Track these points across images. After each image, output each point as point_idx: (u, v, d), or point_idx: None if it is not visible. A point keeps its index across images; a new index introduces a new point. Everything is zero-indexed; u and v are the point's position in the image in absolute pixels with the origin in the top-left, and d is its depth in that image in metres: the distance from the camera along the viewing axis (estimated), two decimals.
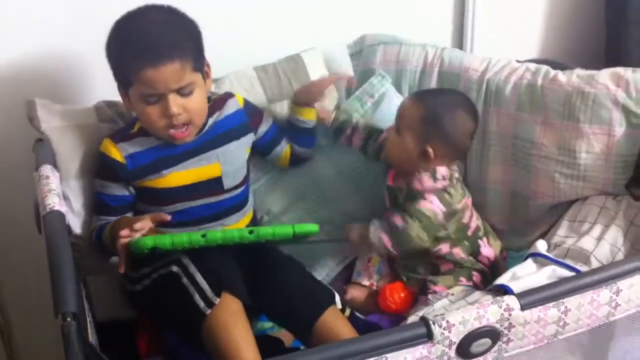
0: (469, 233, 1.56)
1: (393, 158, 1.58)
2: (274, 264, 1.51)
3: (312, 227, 1.43)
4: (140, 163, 1.50)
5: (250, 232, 1.37)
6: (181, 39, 1.42)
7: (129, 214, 1.54)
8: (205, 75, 1.50)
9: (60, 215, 1.27)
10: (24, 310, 1.84)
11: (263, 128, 1.66)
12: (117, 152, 1.49)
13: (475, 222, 1.59)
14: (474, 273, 1.57)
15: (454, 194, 1.53)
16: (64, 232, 1.24)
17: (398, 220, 1.51)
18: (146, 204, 1.53)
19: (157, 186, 1.51)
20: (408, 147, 1.53)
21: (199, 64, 1.46)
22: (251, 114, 1.64)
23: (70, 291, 1.07)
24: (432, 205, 1.50)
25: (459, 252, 1.55)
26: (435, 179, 1.52)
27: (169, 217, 1.44)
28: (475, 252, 1.58)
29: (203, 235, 1.35)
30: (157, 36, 1.39)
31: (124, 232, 1.36)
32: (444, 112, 1.51)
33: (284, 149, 1.71)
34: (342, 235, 1.70)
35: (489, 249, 1.60)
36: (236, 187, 1.58)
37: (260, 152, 1.69)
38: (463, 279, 1.55)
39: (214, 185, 1.55)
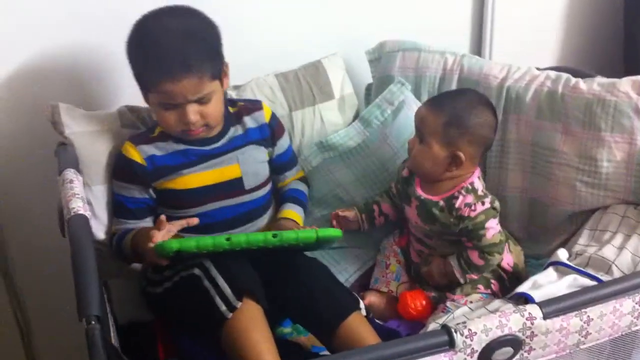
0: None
1: (421, 168, 1.55)
2: (300, 265, 1.50)
3: (336, 232, 1.44)
4: (160, 165, 1.51)
5: (274, 235, 1.37)
6: (200, 51, 1.42)
7: (149, 219, 1.54)
8: (223, 75, 1.51)
9: (85, 219, 1.27)
10: (43, 313, 1.86)
11: (279, 149, 1.66)
12: (136, 154, 1.50)
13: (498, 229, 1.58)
14: (493, 281, 1.56)
15: (497, 203, 1.53)
16: (88, 236, 1.25)
17: (478, 261, 1.51)
18: (167, 208, 1.54)
19: (178, 187, 1.52)
20: (437, 155, 1.51)
21: (217, 71, 1.47)
22: (274, 129, 1.64)
23: (94, 295, 1.08)
24: (496, 230, 1.51)
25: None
26: (479, 198, 1.50)
27: (197, 220, 1.44)
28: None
29: (227, 239, 1.35)
30: (176, 49, 1.40)
31: (158, 233, 1.36)
32: (465, 112, 1.49)
33: (287, 178, 1.71)
34: (361, 242, 1.71)
35: (509, 256, 1.59)
36: (258, 188, 1.58)
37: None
38: (481, 287, 1.55)
39: (235, 186, 1.55)
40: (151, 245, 1.34)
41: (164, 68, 1.39)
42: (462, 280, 1.53)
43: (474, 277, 1.53)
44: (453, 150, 1.49)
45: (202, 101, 1.44)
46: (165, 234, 1.37)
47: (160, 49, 1.40)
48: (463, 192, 1.51)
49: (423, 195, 1.56)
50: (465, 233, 1.51)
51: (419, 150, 1.53)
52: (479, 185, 1.53)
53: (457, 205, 1.50)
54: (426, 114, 1.52)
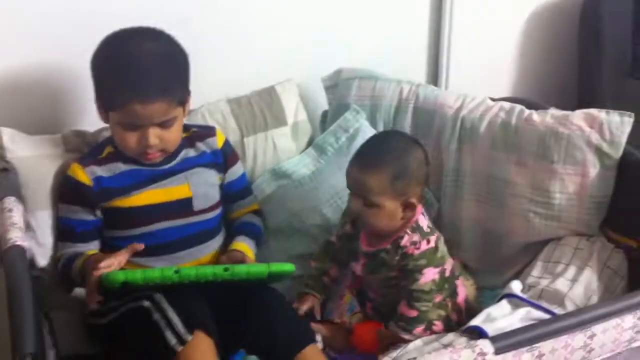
0: (447, 275, 1.52)
1: (378, 228, 1.48)
2: (257, 294, 1.47)
3: (288, 267, 1.41)
4: (106, 186, 1.48)
5: (226, 269, 1.35)
6: (173, 77, 1.44)
7: (96, 242, 1.51)
8: (186, 101, 1.50)
9: (22, 251, 1.24)
10: None
11: (232, 175, 1.63)
12: (84, 175, 1.47)
13: (451, 263, 1.55)
14: (435, 323, 1.50)
15: (441, 244, 1.50)
16: (25, 268, 1.21)
17: (410, 312, 1.46)
18: (113, 229, 1.51)
19: (125, 205, 1.49)
20: (391, 211, 1.44)
21: (184, 96, 1.48)
22: (228, 156, 1.62)
23: (29, 332, 1.05)
24: (430, 277, 1.46)
25: (439, 297, 1.51)
26: (425, 235, 1.47)
27: (142, 246, 1.41)
28: (453, 294, 1.54)
29: (176, 271, 1.32)
30: (150, 73, 1.40)
31: (103, 263, 1.33)
32: (403, 160, 1.44)
33: (240, 208, 1.67)
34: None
35: (463, 289, 1.57)
36: (207, 211, 1.56)
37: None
38: (438, 323, 1.51)
39: (183, 206, 1.53)
40: (96, 274, 1.31)
41: (138, 89, 1.38)
42: (410, 338, 1.44)
43: (420, 329, 1.46)
44: (405, 199, 1.45)
45: (164, 125, 1.44)
46: (112, 264, 1.34)
47: (137, 71, 1.39)
48: (409, 231, 1.47)
49: (371, 249, 1.52)
50: (404, 272, 1.48)
51: (370, 213, 1.45)
52: (424, 221, 1.50)
53: (402, 243, 1.46)
54: (366, 177, 1.43)
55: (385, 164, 1.43)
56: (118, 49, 1.43)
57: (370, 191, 1.43)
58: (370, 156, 1.47)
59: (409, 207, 1.46)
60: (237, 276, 1.36)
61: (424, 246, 1.46)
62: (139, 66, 1.40)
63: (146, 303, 1.37)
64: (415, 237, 1.46)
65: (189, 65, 1.49)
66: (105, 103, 1.45)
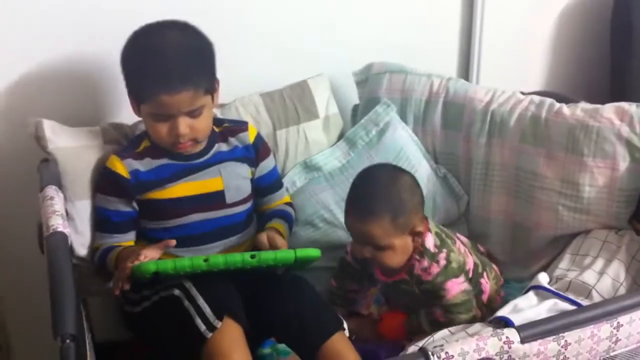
0: (470, 275, 1.53)
1: (393, 266, 1.47)
2: (286, 282, 1.49)
3: (314, 252, 1.42)
4: (143, 179, 1.51)
5: (252, 256, 1.37)
6: (197, 66, 1.46)
7: (132, 233, 1.55)
8: (214, 90, 1.52)
9: (63, 237, 1.27)
10: (24, 329, 1.84)
11: (263, 169, 1.65)
12: (122, 167, 1.50)
13: (472, 260, 1.55)
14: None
15: (455, 255, 1.49)
16: (66, 254, 1.24)
17: (441, 318, 1.47)
18: (148, 220, 1.54)
19: (159, 197, 1.52)
20: (403, 247, 1.45)
21: (211, 85, 1.49)
22: (259, 150, 1.64)
23: (70, 313, 1.08)
24: (457, 288, 1.46)
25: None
26: (434, 259, 1.46)
27: (174, 243, 1.43)
28: (479, 293, 1.54)
29: (205, 260, 1.35)
30: (174, 63, 1.42)
31: (138, 257, 1.36)
32: (396, 197, 1.42)
33: (272, 201, 1.69)
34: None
35: (487, 286, 1.57)
36: (239, 204, 1.58)
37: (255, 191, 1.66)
38: None
39: (216, 198, 1.55)
40: (129, 264, 1.35)
41: (163, 81, 1.41)
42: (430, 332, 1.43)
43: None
44: (410, 230, 1.45)
45: (193, 114, 1.46)
46: (146, 257, 1.37)
47: (160, 62, 1.42)
48: (417, 257, 1.47)
49: (389, 280, 1.53)
50: (427, 294, 1.48)
51: (384, 255, 1.44)
52: (430, 241, 1.48)
53: (415, 272, 1.47)
54: (368, 228, 1.42)
55: (382, 208, 1.41)
56: (143, 42, 1.46)
57: (376, 238, 1.42)
58: (365, 205, 1.44)
59: (417, 235, 1.46)
60: (264, 262, 1.37)
61: (434, 269, 1.46)
62: (163, 58, 1.43)
63: (177, 291, 1.41)
64: (425, 263, 1.46)
65: (214, 55, 1.51)
66: (136, 96, 1.48)
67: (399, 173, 1.49)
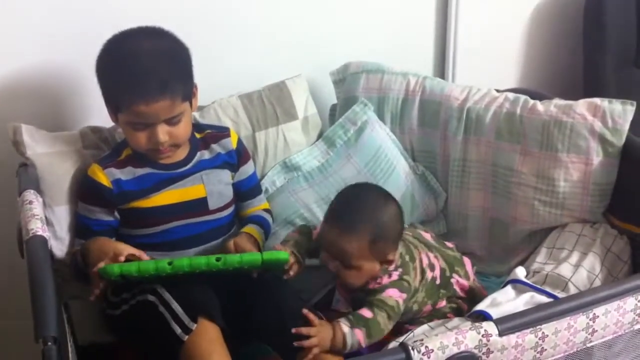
0: (438, 282, 1.52)
1: (356, 286, 1.44)
2: (266, 283, 1.49)
3: (282, 255, 1.40)
4: (126, 189, 1.51)
5: (218, 259, 1.35)
6: (174, 74, 1.44)
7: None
8: (193, 96, 1.52)
9: (43, 240, 1.27)
10: (5, 332, 1.83)
11: (242, 174, 1.65)
12: (104, 177, 1.50)
13: (439, 267, 1.53)
14: (449, 315, 1.53)
15: (409, 277, 1.46)
16: (46, 257, 1.24)
17: (367, 313, 1.40)
18: (130, 227, 1.53)
19: (143, 206, 1.51)
20: (371, 271, 1.42)
21: (188, 92, 1.49)
22: (241, 155, 1.64)
23: (51, 315, 1.08)
24: (395, 295, 1.42)
25: (444, 305, 1.53)
26: (386, 272, 1.44)
27: (146, 258, 1.41)
28: (453, 293, 1.55)
29: (169, 263, 1.33)
30: (151, 72, 1.40)
31: (101, 264, 1.36)
32: (381, 221, 1.40)
33: (250, 207, 1.68)
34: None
35: (461, 281, 1.57)
36: (222, 209, 1.59)
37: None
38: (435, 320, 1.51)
39: (199, 206, 1.55)
40: (95, 269, 1.35)
41: (139, 90, 1.39)
42: (348, 339, 1.36)
43: (362, 338, 1.37)
44: (383, 257, 1.43)
45: (172, 122, 1.45)
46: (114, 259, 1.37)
47: (136, 70, 1.41)
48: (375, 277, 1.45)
49: (348, 296, 1.53)
50: (366, 293, 1.45)
51: (349, 274, 1.42)
52: (392, 265, 1.46)
53: (367, 286, 1.45)
54: (344, 243, 1.39)
55: (364, 230, 1.39)
56: (118, 51, 1.44)
57: (349, 256, 1.40)
58: (348, 219, 1.41)
59: (386, 262, 1.44)
60: (230, 265, 1.35)
61: (384, 281, 1.44)
62: (139, 66, 1.41)
63: (150, 297, 1.41)
64: (378, 278, 1.44)
65: (190, 60, 1.50)
66: (113, 106, 1.47)
67: (389, 200, 1.45)
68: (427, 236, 1.62)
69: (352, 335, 1.36)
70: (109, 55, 1.45)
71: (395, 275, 1.45)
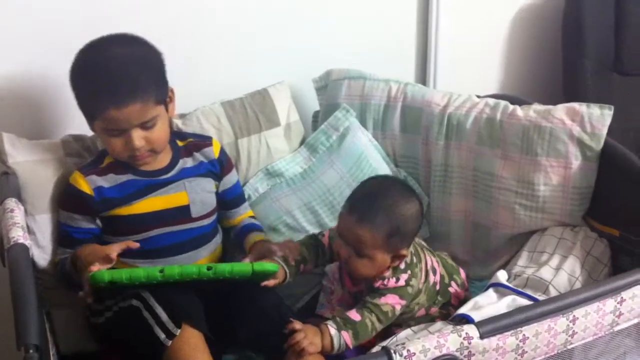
0: (437, 288, 1.54)
1: (363, 275, 1.46)
2: (249, 290, 1.49)
3: (272, 266, 1.42)
4: (107, 196, 1.51)
5: (209, 268, 1.36)
6: (144, 77, 1.44)
7: None
8: (169, 100, 1.52)
9: (24, 248, 1.27)
10: None
11: (226, 183, 1.66)
12: (86, 185, 1.50)
13: (439, 273, 1.55)
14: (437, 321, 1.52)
15: (415, 282, 1.47)
16: (28, 265, 1.24)
17: (355, 316, 1.41)
18: (113, 235, 1.53)
19: (125, 214, 1.51)
20: (382, 263, 1.43)
21: (162, 95, 1.49)
22: (224, 164, 1.65)
23: (33, 323, 1.08)
24: (392, 302, 1.43)
25: (435, 311, 1.54)
26: (396, 275, 1.45)
27: (137, 245, 1.43)
28: (448, 301, 1.56)
29: (160, 271, 1.34)
30: (119, 76, 1.41)
31: (93, 267, 1.35)
32: (401, 215, 1.42)
33: (236, 216, 1.69)
34: None
35: (458, 291, 1.59)
36: (204, 217, 1.59)
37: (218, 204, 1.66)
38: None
39: (181, 213, 1.55)
40: (87, 276, 1.34)
41: (109, 95, 1.40)
42: (334, 341, 1.37)
43: (349, 341, 1.39)
44: (397, 252, 1.44)
45: (146, 126, 1.46)
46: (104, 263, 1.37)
47: (105, 77, 1.41)
48: (384, 275, 1.46)
49: (354, 289, 1.54)
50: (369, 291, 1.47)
51: (360, 263, 1.43)
52: (403, 265, 1.47)
53: (375, 284, 1.46)
54: (360, 229, 1.41)
55: (383, 220, 1.40)
56: (88, 59, 1.45)
57: (363, 244, 1.41)
58: (368, 209, 1.42)
59: (398, 257, 1.45)
60: (220, 275, 1.36)
61: (391, 284, 1.45)
62: (108, 72, 1.41)
63: (135, 302, 1.41)
64: (387, 273, 1.46)
65: (163, 64, 1.50)
66: (86, 113, 1.48)
67: (413, 196, 1.47)
68: (422, 242, 1.63)
69: (339, 337, 1.38)
70: (80, 63, 1.46)
71: (402, 280, 1.45)
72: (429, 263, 1.54)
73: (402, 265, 1.46)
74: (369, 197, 1.45)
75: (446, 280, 1.57)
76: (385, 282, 1.45)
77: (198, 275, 1.35)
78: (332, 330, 1.38)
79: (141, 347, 1.38)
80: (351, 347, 1.39)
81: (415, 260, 1.50)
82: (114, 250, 1.38)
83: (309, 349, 1.35)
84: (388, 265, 1.46)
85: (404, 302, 1.45)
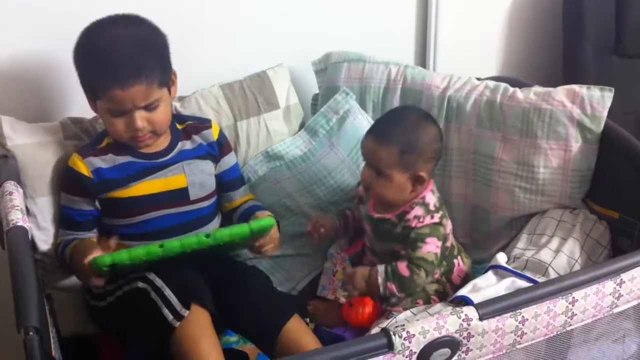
0: (447, 253, 1.57)
1: (387, 198, 1.54)
2: (239, 275, 1.52)
3: (268, 221, 1.43)
4: (107, 177, 1.51)
5: (207, 235, 1.36)
6: (149, 60, 1.44)
7: (95, 230, 1.55)
8: (171, 83, 1.53)
9: (24, 231, 1.27)
10: None
11: (224, 165, 1.66)
12: (84, 167, 1.50)
13: (450, 241, 1.59)
14: (433, 298, 1.55)
15: (446, 221, 1.54)
16: (27, 247, 1.25)
17: (405, 271, 1.49)
18: (111, 217, 1.54)
19: (124, 196, 1.52)
20: (400, 183, 1.51)
21: (166, 78, 1.49)
22: (223, 146, 1.65)
23: (33, 305, 1.08)
24: (433, 249, 1.50)
25: (437, 273, 1.55)
26: (429, 212, 1.52)
27: (114, 243, 1.44)
28: (449, 272, 1.58)
29: (160, 245, 1.34)
30: (125, 57, 1.42)
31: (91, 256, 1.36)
32: (414, 134, 1.51)
33: (235, 198, 1.69)
34: (309, 249, 1.72)
35: (462, 266, 1.60)
36: (203, 200, 1.59)
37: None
38: (420, 302, 1.53)
39: (180, 196, 1.56)
40: (85, 262, 1.35)
41: (115, 75, 1.40)
42: (381, 289, 1.49)
43: (395, 291, 1.49)
44: (414, 172, 1.51)
45: (149, 108, 1.46)
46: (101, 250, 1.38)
47: (111, 56, 1.42)
48: (415, 206, 1.52)
49: (375, 215, 1.57)
50: (405, 239, 1.52)
51: (380, 183, 1.52)
52: (431, 199, 1.54)
53: (407, 217, 1.52)
54: (376, 148, 1.51)
55: (396, 137, 1.50)
56: (94, 38, 1.45)
57: (380, 162, 1.50)
58: (384, 129, 1.54)
59: (418, 181, 1.51)
60: (220, 240, 1.37)
61: (427, 220, 1.51)
62: (114, 52, 1.42)
63: (141, 284, 1.41)
64: (420, 212, 1.52)
65: (167, 47, 1.51)
66: (90, 93, 1.48)
67: (429, 121, 1.57)
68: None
69: (385, 286, 1.48)
70: (85, 43, 1.46)
71: (436, 218, 1.52)
72: (449, 226, 1.57)
73: (432, 207, 1.53)
74: (388, 119, 1.59)
75: (455, 252, 1.59)
76: (421, 220, 1.51)
77: (198, 245, 1.36)
78: (380, 279, 1.48)
79: (147, 329, 1.38)
80: (397, 293, 1.49)
81: (443, 205, 1.57)
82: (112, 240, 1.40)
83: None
84: (411, 191, 1.52)
85: (440, 244, 1.51)
